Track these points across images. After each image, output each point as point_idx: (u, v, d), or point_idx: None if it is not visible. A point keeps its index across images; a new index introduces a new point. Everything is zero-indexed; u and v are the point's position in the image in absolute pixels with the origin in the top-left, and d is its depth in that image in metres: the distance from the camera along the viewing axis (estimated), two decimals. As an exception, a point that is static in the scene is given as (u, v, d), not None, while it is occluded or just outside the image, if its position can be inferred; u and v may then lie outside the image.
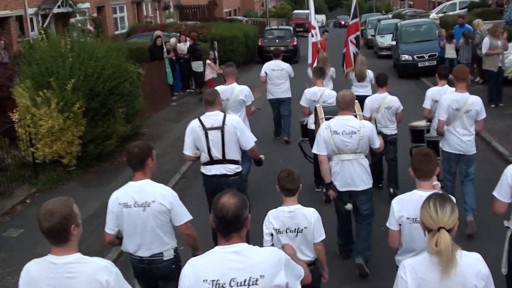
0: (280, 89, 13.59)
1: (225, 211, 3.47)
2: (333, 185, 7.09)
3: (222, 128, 7.04)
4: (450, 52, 19.65)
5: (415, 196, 4.71)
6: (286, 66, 13.84)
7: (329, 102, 9.39)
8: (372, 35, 34.13)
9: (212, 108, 7.19)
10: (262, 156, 7.88)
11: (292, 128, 13.52)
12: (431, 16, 37.58)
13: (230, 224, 3.49)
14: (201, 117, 7.19)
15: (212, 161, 7.22)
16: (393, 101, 9.58)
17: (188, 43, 21.56)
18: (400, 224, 4.86)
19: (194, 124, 7.21)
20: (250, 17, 56.17)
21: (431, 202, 3.62)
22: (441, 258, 3.48)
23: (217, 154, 7.15)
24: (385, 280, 6.14)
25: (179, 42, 21.83)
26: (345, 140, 6.93)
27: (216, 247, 3.57)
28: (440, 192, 4.33)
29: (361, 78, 11.91)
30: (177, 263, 5.25)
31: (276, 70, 13.60)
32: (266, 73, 13.65)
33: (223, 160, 7.20)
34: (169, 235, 5.21)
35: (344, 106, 7.04)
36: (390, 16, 49.98)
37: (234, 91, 9.45)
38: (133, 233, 5.14)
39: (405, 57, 22.73)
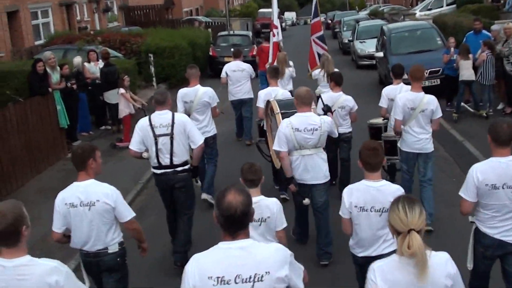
0: (241, 90, 13.43)
1: (233, 210, 3.42)
2: (294, 179, 7.36)
3: (172, 135, 7.33)
4: (467, 73, 13.79)
5: (363, 186, 5.22)
6: (247, 66, 13.60)
7: (286, 98, 9.25)
8: (349, 40, 28.28)
9: (162, 107, 7.43)
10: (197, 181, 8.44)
11: (253, 129, 12.93)
12: (417, 15, 31.75)
13: (238, 222, 3.46)
14: (151, 116, 7.42)
15: (160, 166, 7.51)
16: (347, 101, 9.59)
17: (99, 64, 15.56)
18: (350, 212, 5.25)
19: (144, 122, 7.43)
20: (213, 16, 50.77)
21: (399, 204, 3.62)
22: (415, 260, 3.49)
23: (165, 159, 7.45)
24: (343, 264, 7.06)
25: (89, 62, 15.82)
26: (307, 137, 7.17)
27: (220, 243, 3.51)
28: (406, 194, 4.50)
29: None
30: (122, 256, 5.62)
31: (236, 70, 13.39)
32: (226, 74, 13.45)
33: (171, 166, 7.49)
34: (114, 230, 5.50)
35: (302, 102, 7.22)
36: (365, 14, 44.38)
37: (198, 93, 9.47)
38: (80, 230, 5.42)
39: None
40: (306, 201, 7.37)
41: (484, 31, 15.00)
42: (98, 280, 5.72)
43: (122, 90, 13.77)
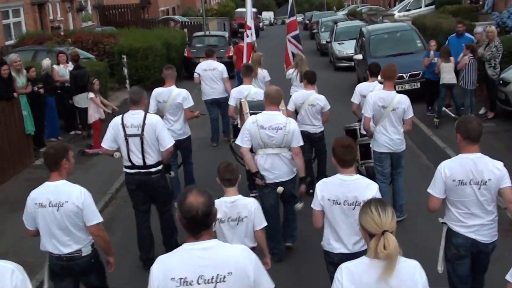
0: (214, 90, 13.22)
1: (194, 211, 3.43)
2: (259, 174, 7.32)
3: (142, 135, 7.24)
4: (448, 76, 13.42)
5: (337, 180, 5.26)
6: (219, 65, 13.35)
7: (258, 99, 9.11)
8: (327, 41, 27.88)
9: (136, 107, 7.37)
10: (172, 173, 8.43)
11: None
12: (396, 16, 31.47)
13: (200, 223, 3.47)
14: (124, 115, 7.38)
15: (133, 166, 7.44)
16: (319, 99, 9.50)
17: (69, 66, 14.96)
18: (322, 205, 5.28)
19: (117, 121, 7.38)
20: (189, 16, 50.17)
21: (372, 206, 3.59)
22: (389, 261, 3.46)
23: (137, 159, 7.38)
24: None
25: (58, 64, 15.20)
26: (271, 135, 7.15)
27: (185, 244, 3.52)
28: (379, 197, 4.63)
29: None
30: (96, 257, 5.56)
31: (208, 70, 13.22)
32: (199, 74, 13.34)
33: (144, 166, 7.41)
34: (84, 232, 5.40)
35: (271, 101, 7.23)
36: (342, 15, 44.05)
37: (172, 94, 9.40)
38: (49, 232, 5.33)
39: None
40: (279, 189, 7.31)
41: (467, 34, 14.64)
42: (72, 282, 5.62)
43: (91, 95, 13.16)
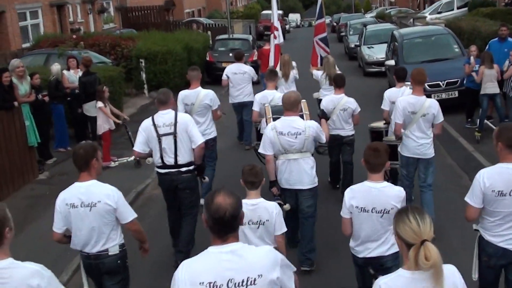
0: (242, 93, 13.18)
1: (222, 212, 3.38)
2: (277, 183, 7.31)
3: (175, 134, 7.30)
4: (490, 85, 12.14)
5: (365, 187, 5.20)
6: (248, 69, 13.45)
7: (279, 105, 8.65)
8: (356, 45, 26.62)
9: (165, 107, 7.41)
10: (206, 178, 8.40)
11: (254, 134, 11.97)
12: (428, 19, 30.08)
13: (227, 225, 3.42)
14: (154, 116, 7.41)
15: (164, 166, 7.47)
16: (350, 103, 9.45)
17: (80, 72, 13.97)
18: (351, 212, 5.24)
19: (147, 122, 7.41)
20: (215, 18, 49.29)
21: (409, 215, 3.39)
22: (434, 272, 3.26)
23: (169, 159, 7.42)
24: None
25: (68, 69, 14.23)
26: (290, 141, 7.09)
27: (210, 248, 3.48)
28: (415, 205, 4.34)
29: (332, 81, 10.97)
30: (122, 259, 5.55)
31: (238, 73, 13.20)
32: (228, 77, 13.26)
33: (175, 165, 7.44)
34: (115, 232, 5.44)
35: (288, 106, 7.15)
36: (370, 17, 42.77)
37: (199, 95, 9.34)
38: (80, 232, 5.35)
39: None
40: (287, 206, 7.22)
41: (510, 39, 13.37)
42: (99, 282, 5.67)
43: (100, 104, 12.12)
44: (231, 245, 3.42)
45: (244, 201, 5.25)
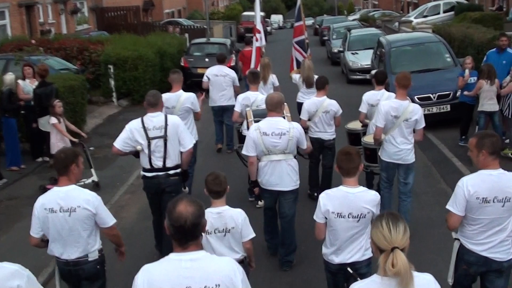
0: (223, 96, 12.92)
1: (182, 221, 3.39)
2: (258, 183, 7.37)
3: (165, 137, 7.23)
4: (490, 102, 11.00)
5: (341, 192, 5.16)
6: (230, 71, 13.20)
7: (262, 108, 8.64)
8: (339, 50, 25.45)
9: (154, 109, 7.33)
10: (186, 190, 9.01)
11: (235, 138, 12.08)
12: (414, 23, 29.00)
13: (188, 233, 3.43)
14: (144, 118, 7.30)
15: (152, 169, 7.37)
16: (332, 105, 9.45)
17: (36, 82, 12.62)
18: (326, 218, 5.19)
19: (136, 124, 7.29)
20: (195, 19, 48.04)
21: (383, 221, 3.44)
22: (400, 279, 3.30)
23: (157, 162, 7.32)
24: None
25: (24, 79, 12.87)
26: (274, 141, 7.12)
27: (171, 254, 3.49)
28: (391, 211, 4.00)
29: (309, 84, 11.27)
30: (101, 264, 5.54)
31: (219, 75, 12.94)
32: (208, 79, 13.00)
33: (163, 168, 7.36)
34: (94, 237, 5.41)
35: (272, 107, 7.20)
36: (354, 19, 41.75)
37: (180, 98, 9.40)
38: (59, 237, 5.30)
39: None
40: (260, 204, 7.30)
41: (509, 49, 12.24)
42: None
43: (53, 120, 10.80)
44: (192, 253, 3.43)
45: (209, 209, 5.22)
